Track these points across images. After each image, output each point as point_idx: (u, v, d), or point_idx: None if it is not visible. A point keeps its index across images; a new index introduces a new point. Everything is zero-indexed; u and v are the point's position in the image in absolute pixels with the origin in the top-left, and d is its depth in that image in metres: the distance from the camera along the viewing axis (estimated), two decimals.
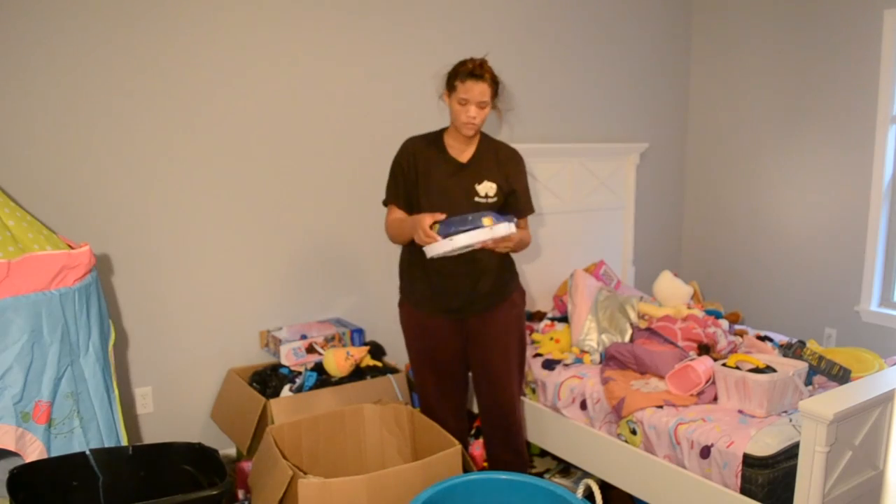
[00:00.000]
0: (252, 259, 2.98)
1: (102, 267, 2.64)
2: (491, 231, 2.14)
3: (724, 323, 3.10)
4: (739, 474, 2.16)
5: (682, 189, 4.49)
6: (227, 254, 2.92)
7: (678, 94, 4.33)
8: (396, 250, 3.32)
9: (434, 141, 2.42)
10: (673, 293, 3.33)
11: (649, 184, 4.23)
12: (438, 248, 2.15)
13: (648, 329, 2.97)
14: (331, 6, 3.02)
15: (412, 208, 2.40)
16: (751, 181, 4.08)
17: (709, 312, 3.25)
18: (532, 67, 3.65)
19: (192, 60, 2.74)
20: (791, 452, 2.15)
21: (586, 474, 2.86)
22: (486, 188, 2.37)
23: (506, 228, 2.16)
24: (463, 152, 2.40)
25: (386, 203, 2.49)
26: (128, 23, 2.59)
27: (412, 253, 2.43)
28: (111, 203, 2.65)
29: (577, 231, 3.80)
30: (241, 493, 2.65)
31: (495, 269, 2.43)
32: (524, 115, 3.63)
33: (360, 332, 3.05)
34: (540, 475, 2.99)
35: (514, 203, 2.45)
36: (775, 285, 4.01)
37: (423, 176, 2.37)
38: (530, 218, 2.55)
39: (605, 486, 2.64)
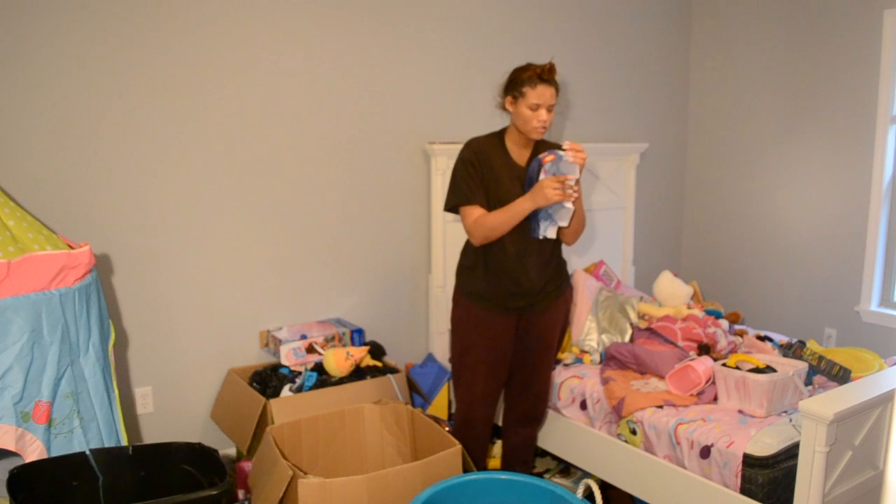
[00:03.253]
0: (252, 259, 2.98)
1: (102, 267, 2.64)
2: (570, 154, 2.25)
3: (724, 323, 3.10)
4: (739, 474, 2.16)
5: (682, 189, 4.49)
6: (227, 254, 2.92)
7: (678, 94, 4.33)
8: (395, 251, 3.34)
9: (497, 144, 2.45)
10: (673, 293, 3.33)
11: (649, 184, 4.23)
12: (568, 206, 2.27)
13: (648, 329, 2.97)
14: (332, 6, 3.02)
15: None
16: (751, 181, 4.08)
17: (709, 312, 3.25)
18: None
19: (193, 61, 2.74)
20: (791, 452, 2.15)
21: (586, 474, 2.86)
22: None
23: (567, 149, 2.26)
24: (523, 156, 2.46)
25: (462, 204, 2.42)
26: (128, 22, 2.59)
27: (478, 259, 2.48)
28: (111, 203, 2.65)
29: None
30: (241, 493, 2.65)
31: (554, 267, 2.53)
32: None
33: (360, 332, 3.04)
34: (540, 475, 2.99)
35: None
36: (775, 285, 4.01)
37: (494, 180, 2.41)
38: None
39: (605, 486, 2.64)
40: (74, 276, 1.95)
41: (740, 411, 2.38)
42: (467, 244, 2.54)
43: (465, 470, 2.21)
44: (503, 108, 2.42)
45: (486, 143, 2.45)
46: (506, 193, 2.40)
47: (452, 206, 2.46)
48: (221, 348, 2.95)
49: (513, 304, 2.47)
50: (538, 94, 2.30)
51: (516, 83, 2.34)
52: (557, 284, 2.56)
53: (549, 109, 2.33)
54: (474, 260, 2.50)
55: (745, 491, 2.15)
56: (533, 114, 2.32)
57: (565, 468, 3.06)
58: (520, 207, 2.33)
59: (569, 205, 2.28)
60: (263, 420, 2.58)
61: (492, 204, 2.41)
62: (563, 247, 2.61)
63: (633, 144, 3.98)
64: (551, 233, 2.38)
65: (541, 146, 2.47)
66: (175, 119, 2.73)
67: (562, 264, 2.61)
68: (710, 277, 4.35)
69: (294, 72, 2.97)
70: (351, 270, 3.24)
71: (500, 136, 2.48)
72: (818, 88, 3.69)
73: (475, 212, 2.40)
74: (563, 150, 2.25)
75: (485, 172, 2.40)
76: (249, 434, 2.63)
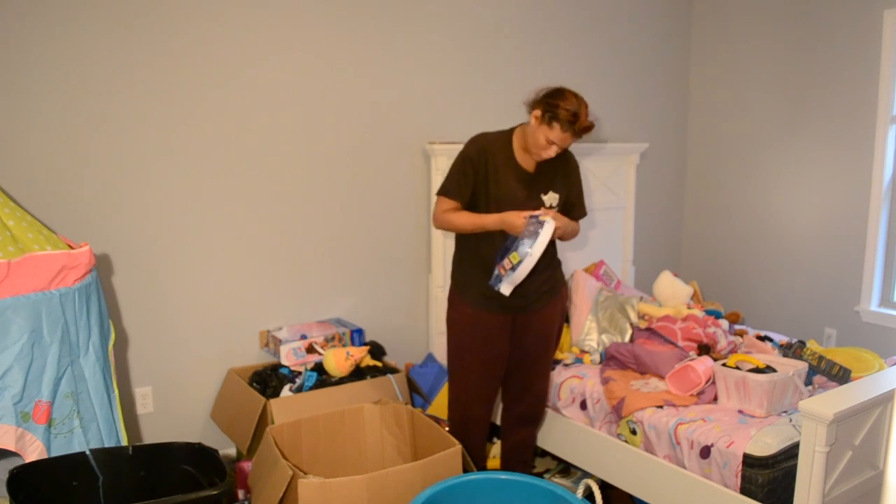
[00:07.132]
0: (252, 259, 2.98)
1: (102, 267, 2.64)
2: (550, 226, 2.23)
3: (724, 323, 3.10)
4: (739, 474, 2.16)
5: (682, 189, 4.49)
6: (227, 254, 2.92)
7: (678, 94, 4.33)
8: (395, 251, 3.34)
9: (504, 145, 2.45)
10: (673, 293, 3.33)
11: (649, 184, 4.23)
12: (529, 263, 2.21)
13: (648, 329, 2.97)
14: (333, 6, 3.02)
15: (470, 206, 2.44)
16: (751, 181, 4.08)
17: (709, 312, 3.25)
18: (532, 68, 3.64)
19: (192, 60, 2.74)
20: (791, 452, 2.15)
21: (586, 474, 2.86)
22: (551, 199, 2.46)
23: (550, 225, 2.24)
24: (526, 160, 2.46)
25: (444, 194, 2.45)
26: (127, 22, 2.59)
27: (469, 253, 2.49)
28: (111, 203, 2.65)
29: None
30: (241, 493, 2.65)
31: (549, 267, 2.52)
32: (524, 116, 3.62)
33: (360, 332, 3.05)
34: (540, 475, 2.99)
35: (570, 208, 2.55)
36: (775, 285, 4.01)
37: (494, 182, 2.41)
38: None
39: (605, 486, 2.64)
40: (74, 276, 1.96)
41: (740, 411, 2.38)
42: (462, 245, 2.54)
43: (465, 470, 2.21)
44: (529, 110, 2.37)
45: (493, 141, 2.44)
46: (508, 194, 2.40)
47: (441, 192, 2.49)
48: (221, 348, 2.95)
49: (508, 304, 2.47)
50: (562, 137, 2.28)
51: (552, 111, 2.26)
52: (553, 283, 2.56)
53: (562, 149, 2.35)
54: (471, 261, 2.50)
55: (745, 491, 2.15)
56: (546, 145, 2.32)
57: (565, 468, 3.06)
58: (485, 220, 2.36)
59: (529, 259, 2.21)
60: (263, 420, 2.58)
61: (491, 202, 2.40)
62: (561, 247, 2.62)
63: (633, 144, 3.98)
64: (505, 289, 2.31)
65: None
66: (175, 119, 2.73)
67: (557, 264, 2.61)
68: (710, 277, 4.35)
69: (294, 72, 2.97)
70: (351, 270, 3.24)
71: (508, 136, 2.47)
72: (818, 88, 3.69)
73: (447, 204, 2.44)
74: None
75: (487, 171, 2.40)
76: (249, 434, 2.63)
